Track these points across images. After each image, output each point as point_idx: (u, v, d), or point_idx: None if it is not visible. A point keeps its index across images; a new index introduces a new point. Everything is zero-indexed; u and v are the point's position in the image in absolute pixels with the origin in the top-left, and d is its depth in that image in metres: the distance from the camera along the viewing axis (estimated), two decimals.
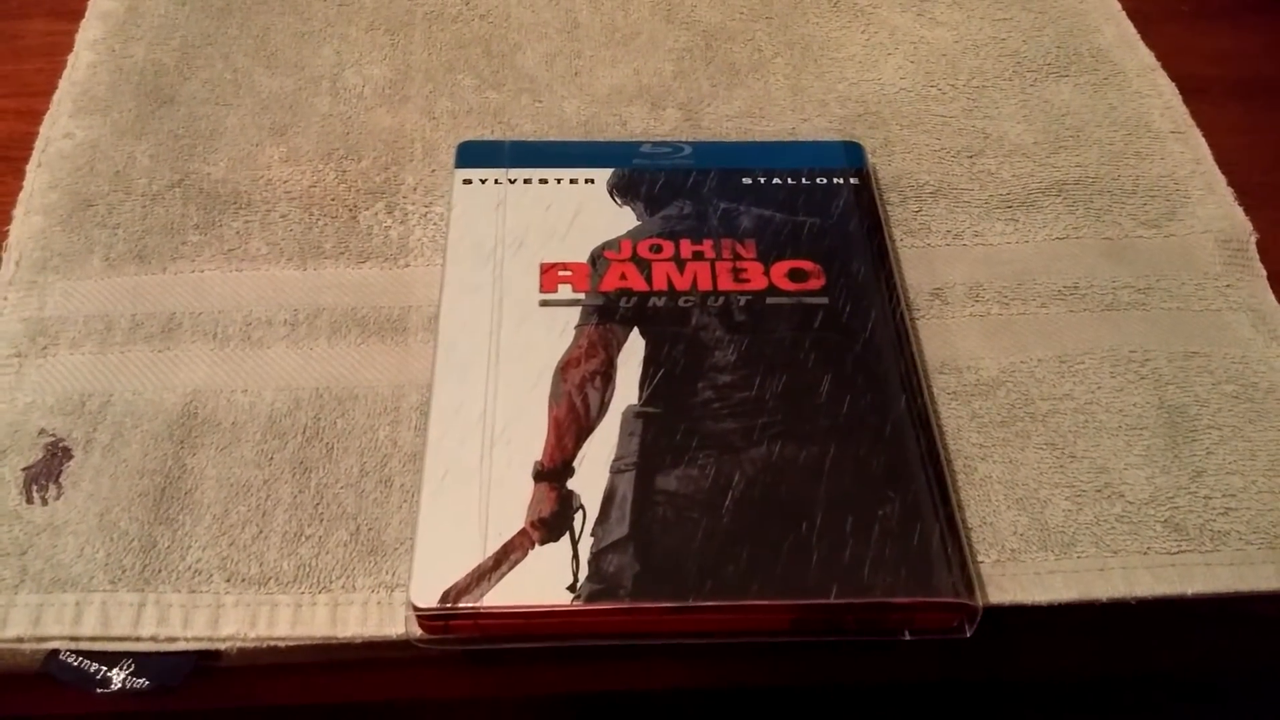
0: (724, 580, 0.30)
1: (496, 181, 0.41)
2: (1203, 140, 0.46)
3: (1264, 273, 0.41)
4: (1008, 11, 0.51)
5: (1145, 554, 0.34)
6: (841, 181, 0.41)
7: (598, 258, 0.38)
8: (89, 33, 0.48)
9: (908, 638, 0.31)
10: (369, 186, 0.43)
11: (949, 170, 0.44)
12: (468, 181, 0.41)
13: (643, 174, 0.41)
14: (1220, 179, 0.44)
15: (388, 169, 0.43)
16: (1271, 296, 0.41)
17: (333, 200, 0.42)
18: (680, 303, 0.37)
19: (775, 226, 0.39)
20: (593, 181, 0.41)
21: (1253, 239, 0.42)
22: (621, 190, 0.41)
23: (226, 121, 0.45)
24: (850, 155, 0.42)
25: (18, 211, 0.41)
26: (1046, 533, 0.34)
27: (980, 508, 0.35)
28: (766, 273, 0.38)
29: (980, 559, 0.33)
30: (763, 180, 0.41)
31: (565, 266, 0.38)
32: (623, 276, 0.38)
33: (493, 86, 0.47)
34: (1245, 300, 0.41)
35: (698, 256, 0.38)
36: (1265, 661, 0.35)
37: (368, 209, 0.42)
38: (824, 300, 0.37)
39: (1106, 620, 0.34)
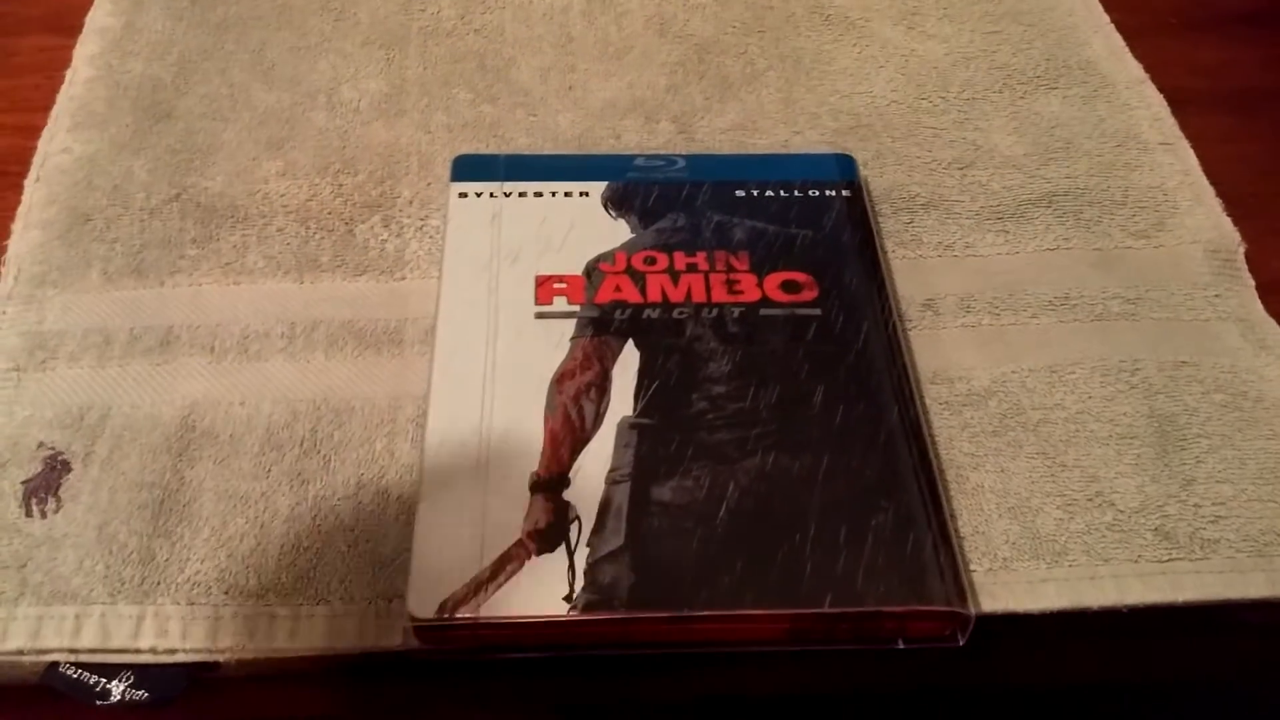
0: (719, 590, 0.31)
1: (492, 195, 0.41)
2: (1191, 151, 0.46)
3: (1252, 282, 0.42)
4: (998, 24, 0.52)
5: (1136, 562, 0.34)
6: (834, 193, 0.42)
7: (592, 270, 0.39)
8: (86, 48, 0.48)
9: (901, 646, 0.31)
10: (365, 200, 0.43)
11: (940, 182, 0.45)
12: (463, 195, 0.41)
13: (637, 187, 0.42)
14: (1208, 189, 0.45)
15: (384, 183, 0.44)
16: (1260, 306, 0.41)
17: (329, 214, 0.43)
18: (674, 314, 0.37)
19: (768, 238, 0.40)
20: (587, 195, 0.41)
21: (1241, 249, 0.43)
22: (616, 203, 0.41)
23: (223, 136, 0.45)
24: (842, 167, 0.43)
25: (16, 226, 0.41)
26: (1038, 541, 0.34)
27: (972, 517, 0.35)
28: (760, 284, 0.38)
29: (973, 568, 0.34)
30: (756, 193, 0.42)
31: (560, 279, 0.38)
32: (617, 289, 0.38)
33: (488, 100, 0.47)
34: (1234, 310, 0.41)
35: (691, 269, 0.39)
36: (1255, 669, 0.35)
37: (364, 222, 0.42)
38: (817, 311, 0.38)
39: (1098, 628, 0.34)
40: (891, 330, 0.37)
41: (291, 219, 0.42)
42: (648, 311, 0.37)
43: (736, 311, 0.37)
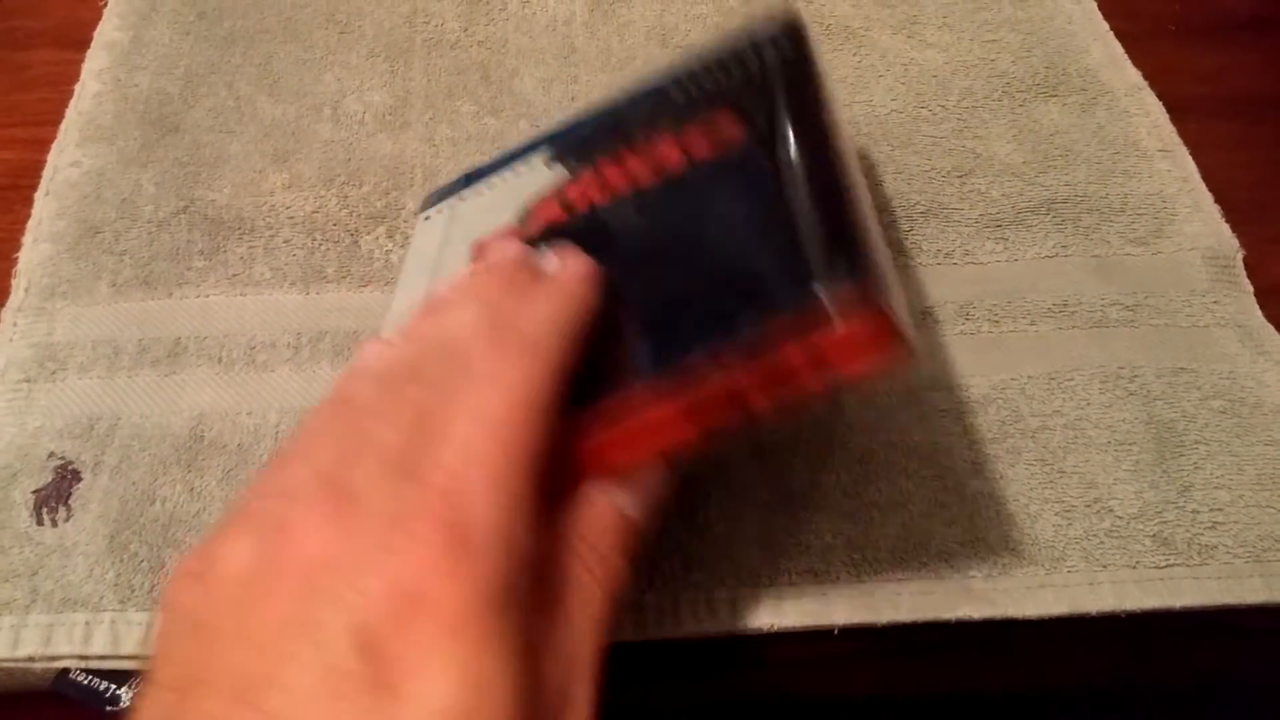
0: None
1: (451, 207, 0.39)
2: (1189, 158, 0.46)
3: (1250, 289, 0.42)
4: (996, 33, 0.52)
5: (1134, 568, 0.34)
6: (770, 50, 0.34)
7: (524, 214, 0.35)
8: (95, 62, 0.49)
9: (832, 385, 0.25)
10: (370, 212, 0.44)
11: (939, 190, 0.45)
12: (427, 218, 0.40)
13: (571, 130, 0.38)
14: (1207, 196, 0.45)
15: (388, 194, 0.44)
16: (1258, 312, 0.41)
17: (335, 225, 0.43)
18: (600, 216, 0.33)
19: (683, 88, 0.34)
20: (529, 165, 0.37)
21: (1239, 255, 0.43)
22: (556, 155, 0.37)
23: (230, 149, 0.46)
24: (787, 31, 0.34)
25: (26, 239, 0.42)
26: (1037, 547, 0.35)
27: (972, 523, 0.35)
28: (680, 144, 0.33)
29: (972, 574, 0.34)
30: (680, 78, 0.35)
31: (493, 235, 0.35)
32: (547, 218, 0.35)
33: (491, 113, 0.48)
34: (1232, 316, 0.41)
35: (617, 161, 0.34)
36: (1253, 673, 0.35)
37: (369, 234, 0.43)
38: (745, 147, 0.31)
39: (1097, 633, 0.34)
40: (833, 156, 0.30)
41: (298, 230, 0.43)
42: (575, 222, 0.34)
43: (660, 187, 0.32)
